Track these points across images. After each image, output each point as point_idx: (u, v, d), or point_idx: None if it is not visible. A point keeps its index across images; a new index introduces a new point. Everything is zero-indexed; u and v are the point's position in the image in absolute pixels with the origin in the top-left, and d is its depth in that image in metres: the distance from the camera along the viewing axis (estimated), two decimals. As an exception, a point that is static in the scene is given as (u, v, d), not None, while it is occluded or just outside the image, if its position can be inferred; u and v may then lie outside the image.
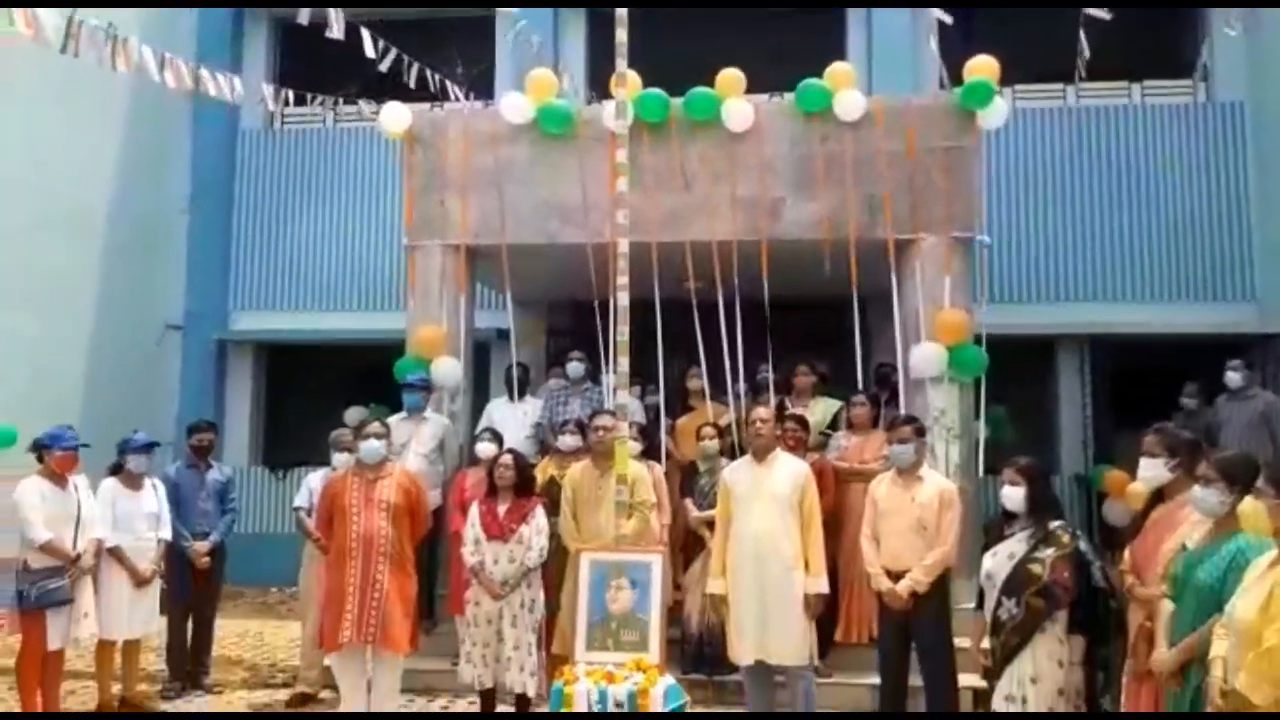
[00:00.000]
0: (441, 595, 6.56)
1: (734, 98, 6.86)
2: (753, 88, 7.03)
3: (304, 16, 7.33)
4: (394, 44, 8.20)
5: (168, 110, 10.16)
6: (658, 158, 6.86)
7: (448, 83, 9.05)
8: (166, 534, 6.01)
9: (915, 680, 4.78)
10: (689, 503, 6.11)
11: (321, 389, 10.18)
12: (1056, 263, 9.51)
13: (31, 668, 5.40)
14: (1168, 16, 9.70)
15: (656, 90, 6.84)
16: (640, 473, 5.62)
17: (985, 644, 4.05)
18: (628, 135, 5.33)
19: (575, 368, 7.33)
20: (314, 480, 6.28)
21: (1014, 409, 8.23)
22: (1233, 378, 7.34)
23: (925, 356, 6.54)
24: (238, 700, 6.20)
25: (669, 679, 4.12)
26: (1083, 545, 4.00)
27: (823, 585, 4.97)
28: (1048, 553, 3.93)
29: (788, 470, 5.07)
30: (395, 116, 7.22)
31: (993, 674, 4.01)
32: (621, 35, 5.11)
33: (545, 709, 4.22)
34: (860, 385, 6.93)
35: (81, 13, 6.17)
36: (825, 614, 5.37)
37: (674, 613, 5.51)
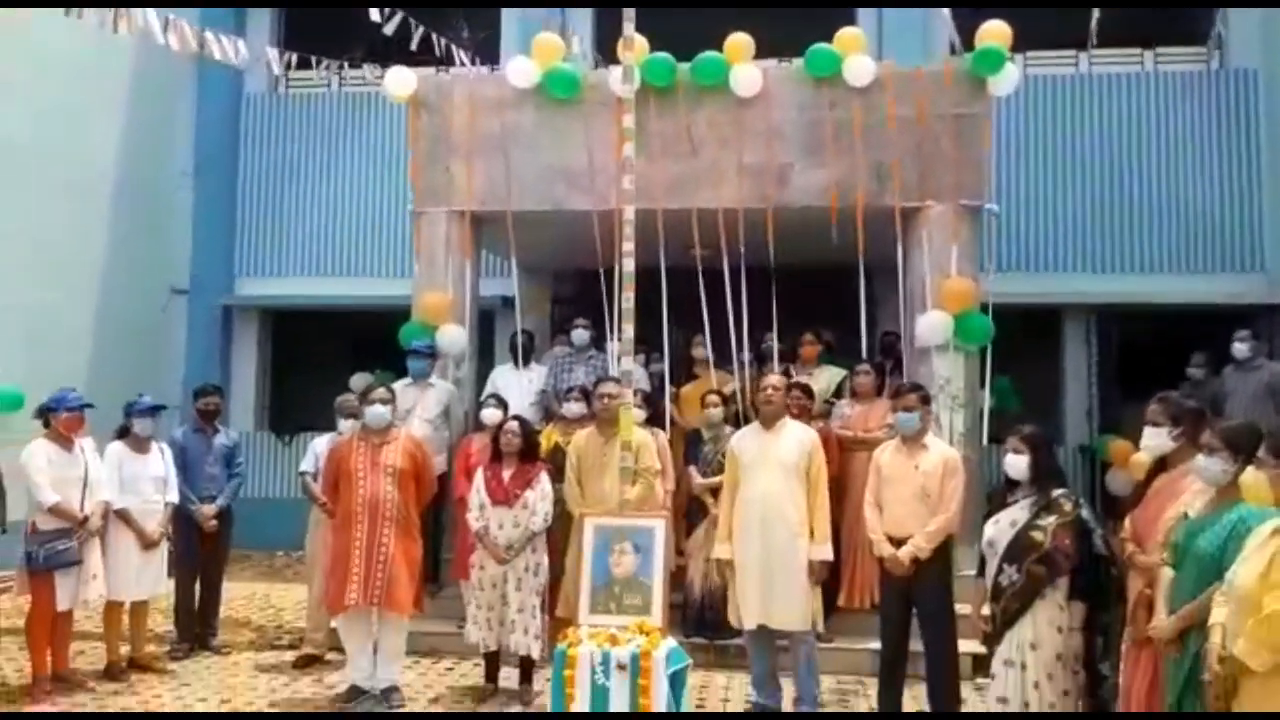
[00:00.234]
0: (447, 560, 6.61)
1: (742, 63, 6.80)
2: (761, 53, 6.96)
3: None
4: (399, 7, 8.12)
5: (172, 75, 10.11)
6: (664, 123, 6.80)
7: (453, 47, 8.98)
8: (173, 497, 6.05)
9: (916, 645, 4.82)
10: (693, 470, 6.13)
11: (327, 355, 10.21)
12: (1064, 232, 9.45)
13: (41, 628, 5.47)
14: (1182, -18, 9.57)
15: (664, 54, 6.78)
16: (645, 439, 5.64)
17: (985, 610, 4.07)
18: (634, 100, 5.29)
19: (580, 335, 7.34)
20: (320, 445, 6.31)
21: (1019, 379, 8.22)
22: (1240, 348, 7.32)
23: (931, 325, 6.52)
24: (244, 661, 6.27)
25: (671, 641, 4.16)
26: (1085, 513, 4.01)
27: (827, 552, 5.00)
28: (1050, 520, 3.94)
29: (795, 437, 5.09)
30: (400, 81, 7.16)
31: (992, 639, 4.03)
32: (628, -2, 5.06)
33: (548, 671, 4.26)
34: (865, 354, 6.92)
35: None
36: (828, 580, 5.42)
37: (677, 578, 5.55)
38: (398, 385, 6.41)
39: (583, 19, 9.93)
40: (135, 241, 9.87)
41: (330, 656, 6.15)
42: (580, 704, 3.86)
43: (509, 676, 5.57)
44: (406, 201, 7.41)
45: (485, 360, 8.21)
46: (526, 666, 5.47)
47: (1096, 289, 9.21)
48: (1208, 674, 2.99)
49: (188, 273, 10.45)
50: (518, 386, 7.17)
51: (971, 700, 5.09)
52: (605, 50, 9.23)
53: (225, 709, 5.30)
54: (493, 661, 5.58)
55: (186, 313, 10.43)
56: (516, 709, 5.30)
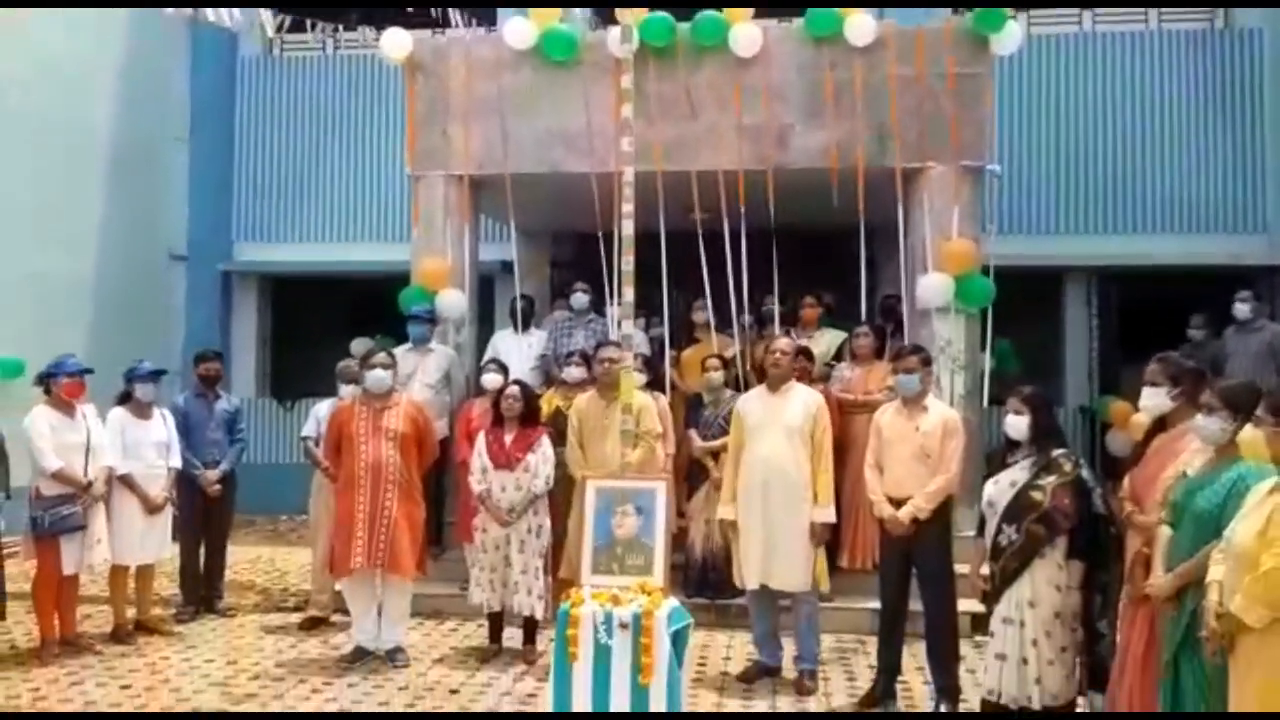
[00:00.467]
0: (450, 523, 6.65)
1: (742, 22, 6.72)
2: (761, 13, 6.88)
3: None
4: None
5: (166, 38, 10.00)
6: (663, 84, 6.74)
7: (450, 9, 8.87)
8: (176, 462, 6.07)
9: (915, 605, 4.86)
10: (693, 433, 6.15)
11: (327, 320, 10.21)
12: (1066, 193, 9.40)
13: (47, 592, 5.53)
14: (1188, -61, 9.44)
15: (662, 14, 6.70)
16: (646, 403, 5.66)
17: (984, 569, 4.10)
18: (633, 60, 5.23)
19: (579, 299, 7.33)
20: (321, 410, 6.32)
21: (1020, 341, 8.22)
22: (1241, 309, 7.32)
23: (932, 286, 6.51)
24: (250, 623, 6.34)
25: (673, 601, 4.19)
26: (1084, 473, 4.02)
27: (830, 515, 5.04)
28: (1049, 480, 3.96)
29: (801, 400, 5.11)
30: (396, 43, 7.09)
31: (991, 598, 4.07)
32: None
33: (552, 631, 4.30)
34: (864, 316, 6.91)
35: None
36: (829, 541, 5.46)
37: (678, 540, 5.59)
38: (398, 350, 6.41)
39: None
40: (132, 208, 9.83)
41: (335, 618, 6.21)
42: (583, 662, 3.90)
43: (513, 637, 5.64)
44: (404, 165, 7.37)
45: (485, 325, 8.21)
46: (530, 627, 5.53)
47: (1097, 250, 9.18)
48: (1204, 630, 3.01)
49: (185, 239, 10.41)
50: (518, 351, 7.17)
51: (970, 658, 5.15)
52: (604, 13, 9.12)
53: (232, 670, 5.36)
54: (496, 622, 5.64)
55: (185, 279, 10.41)
56: (521, 668, 5.37)
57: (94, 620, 6.14)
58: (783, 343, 5.28)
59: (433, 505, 6.13)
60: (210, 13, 7.11)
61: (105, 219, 9.52)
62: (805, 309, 7.03)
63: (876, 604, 5.02)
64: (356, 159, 10.31)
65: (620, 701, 3.88)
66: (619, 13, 5.26)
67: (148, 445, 5.90)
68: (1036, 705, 3.87)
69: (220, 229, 10.48)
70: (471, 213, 7.25)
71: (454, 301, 7.04)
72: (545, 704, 4.07)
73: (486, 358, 6.92)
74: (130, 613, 5.99)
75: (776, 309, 7.00)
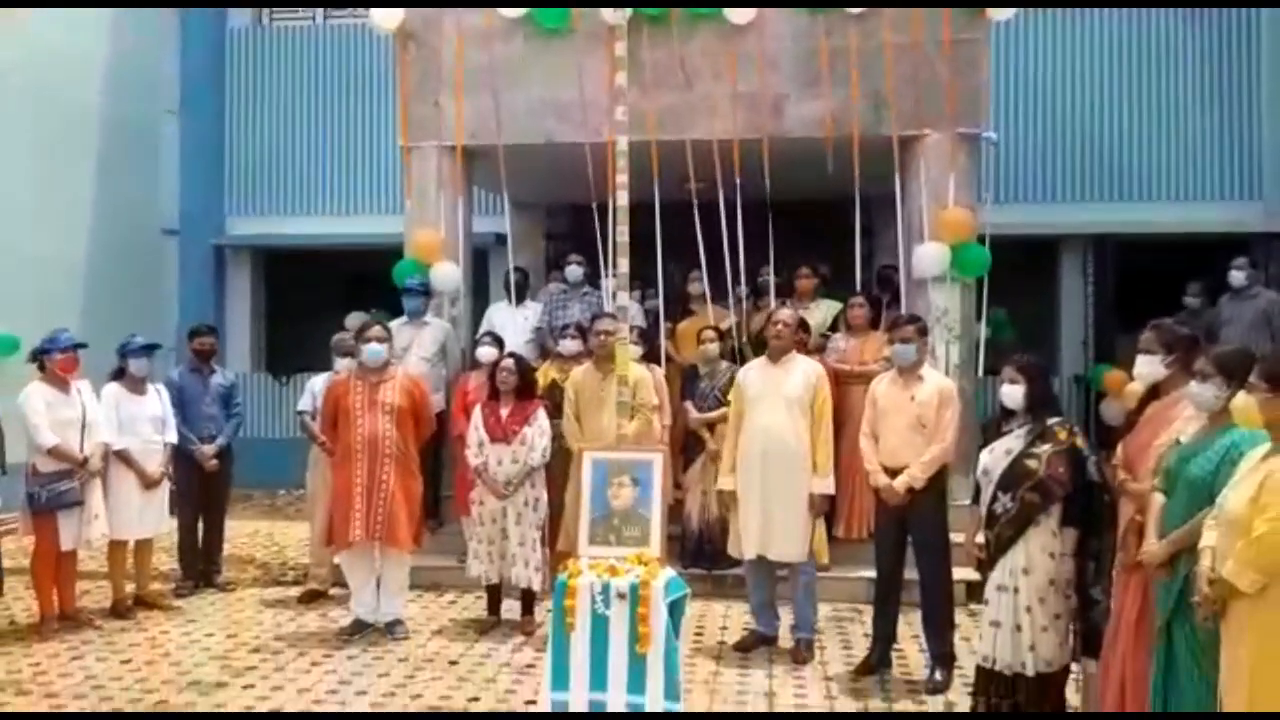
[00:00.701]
0: (447, 496, 6.67)
1: (736, -11, 6.64)
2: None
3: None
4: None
5: (154, 11, 9.87)
6: (657, 53, 6.68)
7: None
8: (172, 437, 6.07)
9: (911, 573, 4.89)
10: (689, 405, 6.15)
11: (321, 294, 10.17)
12: (1062, 161, 9.36)
13: (46, 567, 5.54)
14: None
15: (656, -18, 6.62)
16: (642, 375, 5.67)
17: (980, 538, 4.12)
18: (626, 28, 5.17)
19: (574, 271, 7.30)
20: (317, 385, 6.32)
21: (1015, 310, 8.21)
22: (1236, 276, 7.31)
23: (928, 255, 6.49)
24: (249, 597, 6.37)
25: (670, 571, 4.21)
26: (1079, 440, 4.03)
27: (828, 486, 5.07)
28: (1044, 448, 3.97)
29: (802, 371, 5.12)
30: (386, 13, 7.01)
31: (986, 566, 4.09)
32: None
33: (549, 602, 4.33)
34: (860, 286, 6.89)
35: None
36: (826, 511, 5.48)
37: (674, 512, 5.61)
38: (393, 324, 6.40)
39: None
40: (124, 183, 9.76)
41: (334, 592, 6.25)
42: (580, 633, 3.93)
43: (510, 609, 5.67)
44: (396, 136, 7.31)
45: (480, 298, 8.19)
46: (528, 598, 5.56)
47: (1093, 218, 9.15)
48: (1197, 596, 3.03)
49: (177, 214, 10.34)
50: (513, 324, 7.16)
51: (965, 625, 5.19)
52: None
53: (232, 643, 5.39)
54: (494, 594, 5.68)
55: (178, 254, 10.35)
56: (519, 639, 5.41)
57: (93, 595, 6.17)
58: (784, 314, 5.28)
59: (430, 479, 6.14)
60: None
61: (97, 194, 9.45)
62: (801, 280, 7.01)
63: (872, 573, 5.05)
64: (349, 130, 10.23)
65: (618, 671, 3.91)
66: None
67: (143, 420, 5.89)
68: (1030, 671, 3.90)
69: (212, 203, 10.41)
70: (465, 184, 7.21)
71: (449, 274, 7.02)
72: (543, 674, 4.09)
73: (481, 331, 6.90)
74: (129, 587, 6.01)
75: (772, 280, 6.98)
